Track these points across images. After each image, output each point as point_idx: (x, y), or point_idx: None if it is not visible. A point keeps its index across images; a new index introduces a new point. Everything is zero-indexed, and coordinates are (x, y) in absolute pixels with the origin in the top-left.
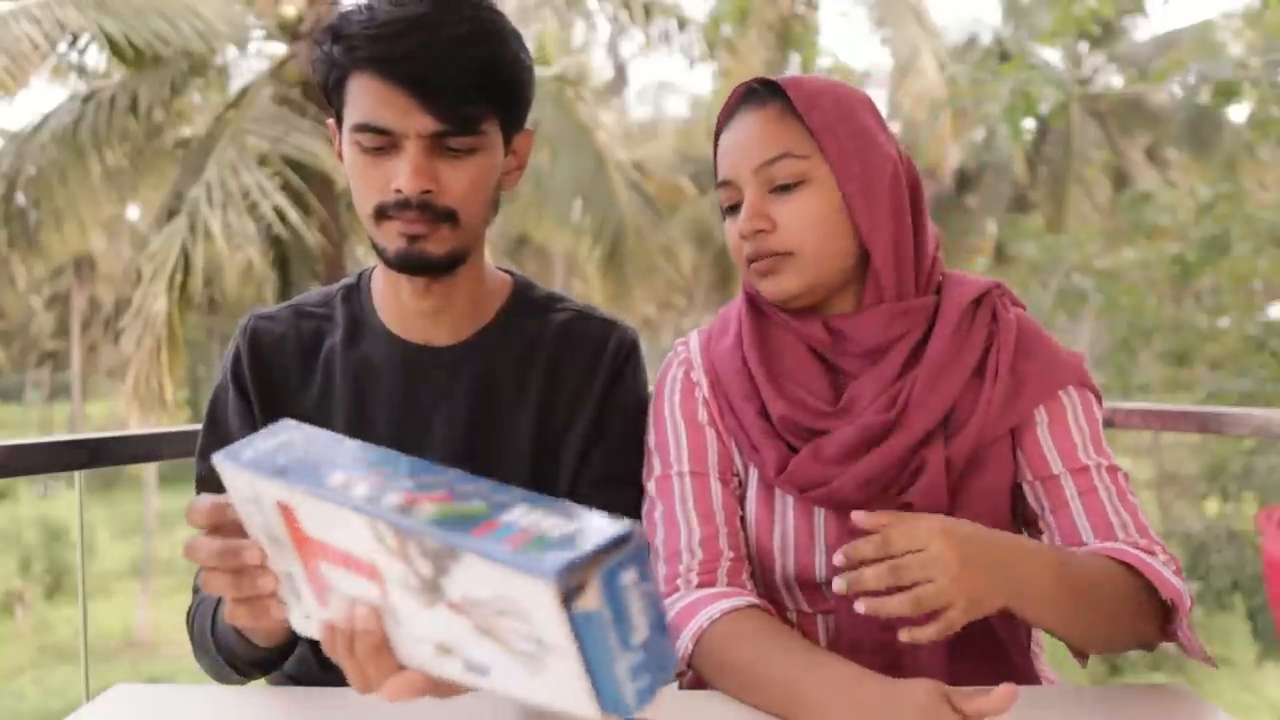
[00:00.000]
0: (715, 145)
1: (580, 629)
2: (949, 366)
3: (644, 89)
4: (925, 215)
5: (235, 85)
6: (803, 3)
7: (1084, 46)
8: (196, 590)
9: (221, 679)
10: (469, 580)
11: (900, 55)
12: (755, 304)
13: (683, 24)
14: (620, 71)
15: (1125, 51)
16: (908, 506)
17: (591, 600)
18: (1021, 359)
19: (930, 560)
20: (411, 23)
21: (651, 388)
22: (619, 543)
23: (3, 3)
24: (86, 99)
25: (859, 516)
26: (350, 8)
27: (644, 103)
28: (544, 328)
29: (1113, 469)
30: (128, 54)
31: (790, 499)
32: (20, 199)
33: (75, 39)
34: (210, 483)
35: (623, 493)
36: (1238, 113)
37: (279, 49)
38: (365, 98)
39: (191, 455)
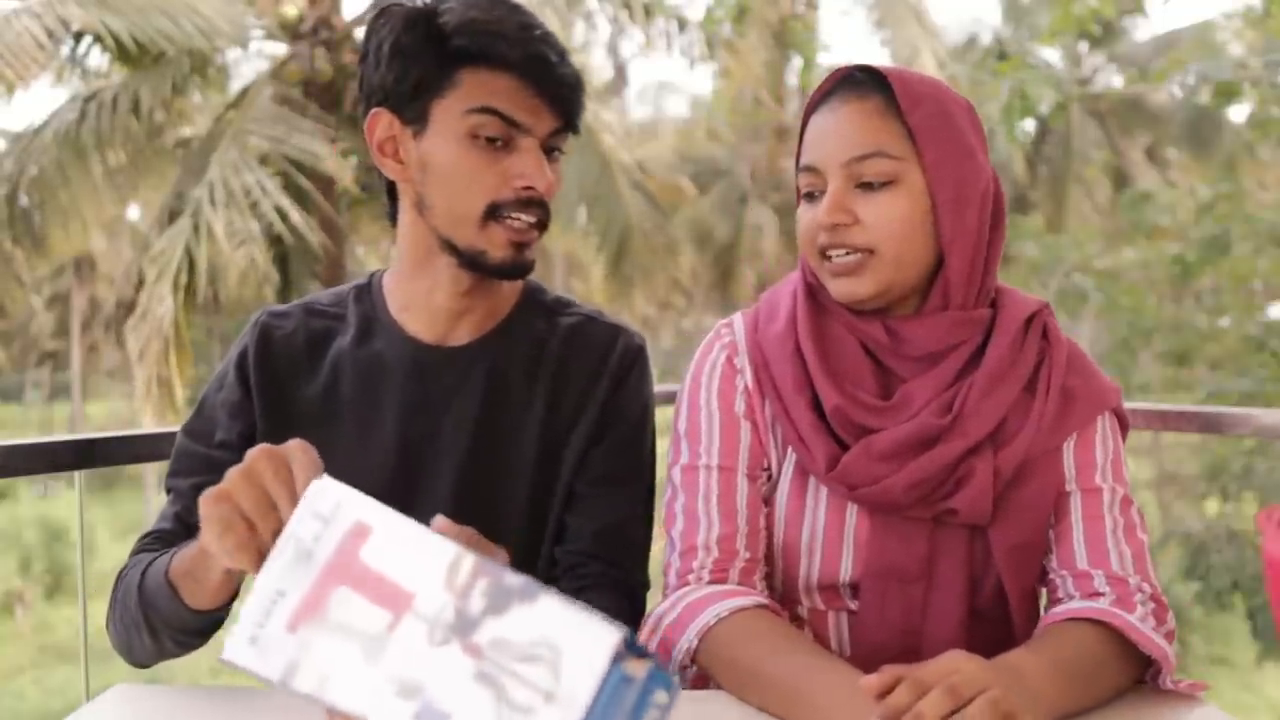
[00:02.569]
0: (803, 125)
1: (608, 686)
2: (1004, 377)
3: (644, 89)
4: (1002, 229)
5: (236, 85)
6: (803, 3)
7: (1084, 46)
8: (132, 554)
9: (128, 646)
10: (521, 623)
11: (900, 55)
12: (814, 293)
13: (683, 24)
14: (620, 71)
15: (1125, 51)
16: (952, 513)
17: (635, 669)
18: (1071, 378)
19: (974, 677)
20: (531, 26)
21: (674, 376)
22: (667, 684)
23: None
24: (88, 99)
25: (869, 682)
26: (439, 3)
27: (644, 103)
28: (552, 330)
29: (1126, 501)
30: (131, 51)
31: (823, 495)
32: (23, 199)
33: (79, 37)
34: (187, 456)
35: (620, 493)
36: (1238, 113)
37: (279, 49)
38: (493, 90)
39: None
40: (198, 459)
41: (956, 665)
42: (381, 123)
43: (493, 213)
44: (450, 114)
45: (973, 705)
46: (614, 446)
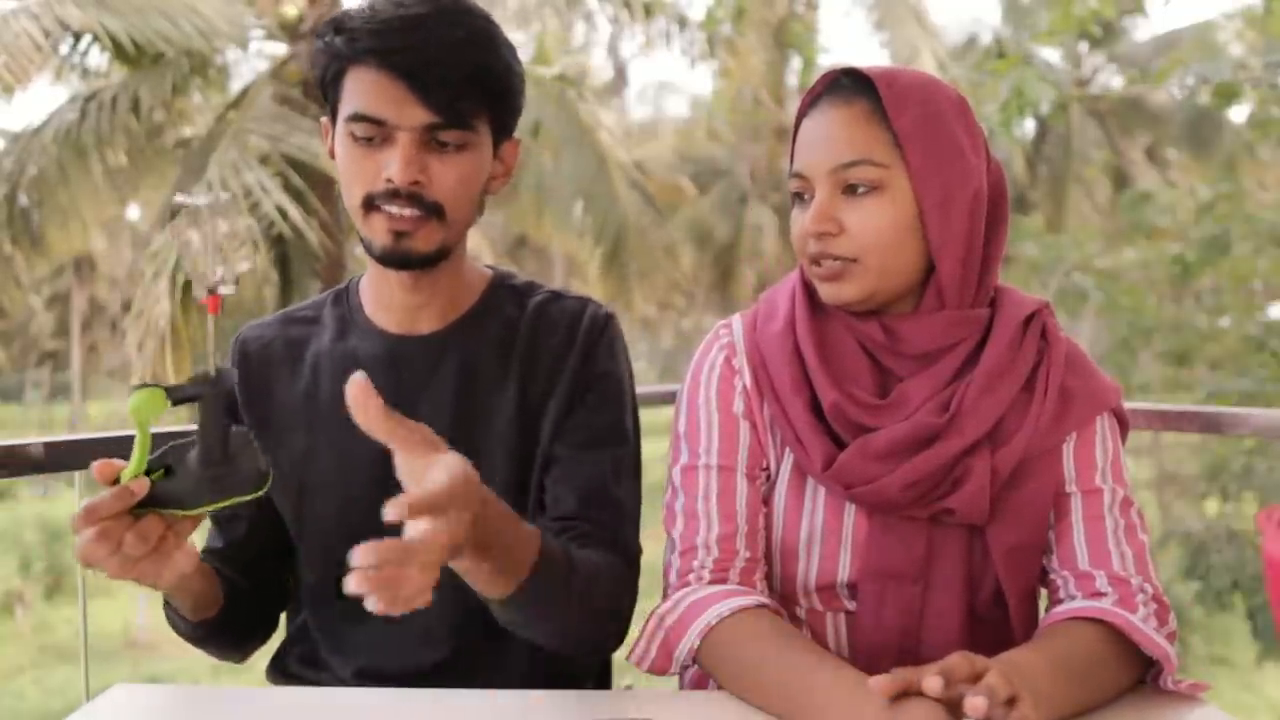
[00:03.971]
0: (795, 129)
1: None
2: (1002, 376)
3: (644, 89)
4: (1003, 227)
5: (236, 85)
6: (803, 3)
7: (1084, 46)
8: None
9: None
10: None
11: (900, 55)
12: (812, 293)
13: (683, 24)
14: (620, 71)
15: (1125, 51)
16: (949, 513)
17: None
18: (1070, 378)
19: (1005, 678)
20: (412, 20)
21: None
22: None
23: (3, 1)
24: (88, 99)
25: (880, 684)
26: (353, 6)
27: (644, 103)
28: (522, 311)
29: (1127, 502)
30: (129, 52)
31: (821, 495)
32: (22, 199)
33: (77, 38)
34: None
35: (599, 454)
36: (1238, 113)
37: (279, 49)
38: (361, 88)
39: None
40: None
41: (988, 662)
42: (327, 130)
43: (369, 203)
44: (340, 117)
45: (1024, 703)
46: (590, 411)
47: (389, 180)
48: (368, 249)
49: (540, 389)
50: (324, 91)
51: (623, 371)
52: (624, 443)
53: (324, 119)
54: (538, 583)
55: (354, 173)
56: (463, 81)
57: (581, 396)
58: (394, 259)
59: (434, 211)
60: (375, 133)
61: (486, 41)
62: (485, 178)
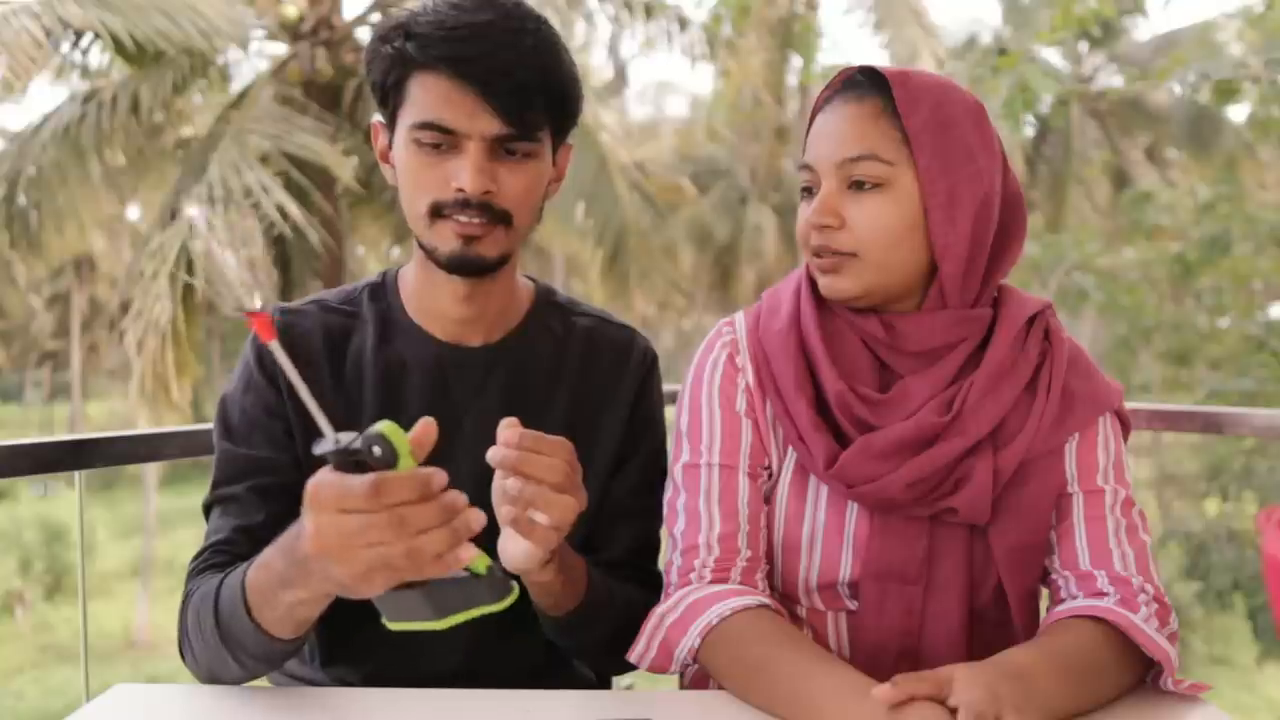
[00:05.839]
0: (809, 124)
1: None
2: (1005, 377)
3: (644, 89)
4: (1015, 233)
5: (236, 85)
6: (803, 3)
7: (1084, 46)
8: (192, 576)
9: (212, 674)
10: None
11: (900, 55)
12: (818, 288)
13: (683, 24)
14: (620, 71)
15: (1125, 51)
16: (951, 512)
17: None
18: (1073, 378)
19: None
20: (483, 28)
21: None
22: None
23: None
24: (88, 99)
25: (884, 693)
26: (415, 10)
27: (644, 103)
28: (569, 331)
29: (1128, 502)
30: (130, 51)
31: (824, 492)
32: (21, 199)
33: (78, 37)
34: (234, 461)
35: (652, 499)
36: (1238, 113)
37: (280, 49)
38: (430, 96)
39: (192, 455)
40: (249, 462)
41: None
42: (379, 132)
43: (437, 211)
44: (403, 123)
45: None
46: (645, 456)
47: (460, 190)
48: (430, 256)
49: (589, 414)
50: (383, 96)
51: (663, 412)
52: (664, 486)
53: (375, 121)
54: (586, 606)
55: (420, 180)
56: (532, 92)
57: (636, 440)
58: (461, 264)
59: (502, 219)
60: (443, 140)
61: (552, 48)
62: (546, 184)
